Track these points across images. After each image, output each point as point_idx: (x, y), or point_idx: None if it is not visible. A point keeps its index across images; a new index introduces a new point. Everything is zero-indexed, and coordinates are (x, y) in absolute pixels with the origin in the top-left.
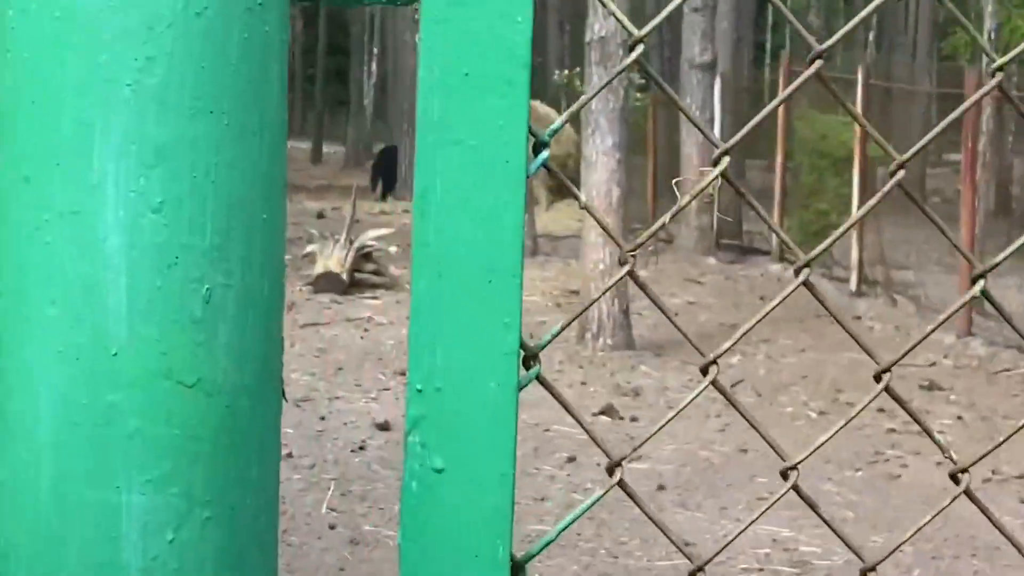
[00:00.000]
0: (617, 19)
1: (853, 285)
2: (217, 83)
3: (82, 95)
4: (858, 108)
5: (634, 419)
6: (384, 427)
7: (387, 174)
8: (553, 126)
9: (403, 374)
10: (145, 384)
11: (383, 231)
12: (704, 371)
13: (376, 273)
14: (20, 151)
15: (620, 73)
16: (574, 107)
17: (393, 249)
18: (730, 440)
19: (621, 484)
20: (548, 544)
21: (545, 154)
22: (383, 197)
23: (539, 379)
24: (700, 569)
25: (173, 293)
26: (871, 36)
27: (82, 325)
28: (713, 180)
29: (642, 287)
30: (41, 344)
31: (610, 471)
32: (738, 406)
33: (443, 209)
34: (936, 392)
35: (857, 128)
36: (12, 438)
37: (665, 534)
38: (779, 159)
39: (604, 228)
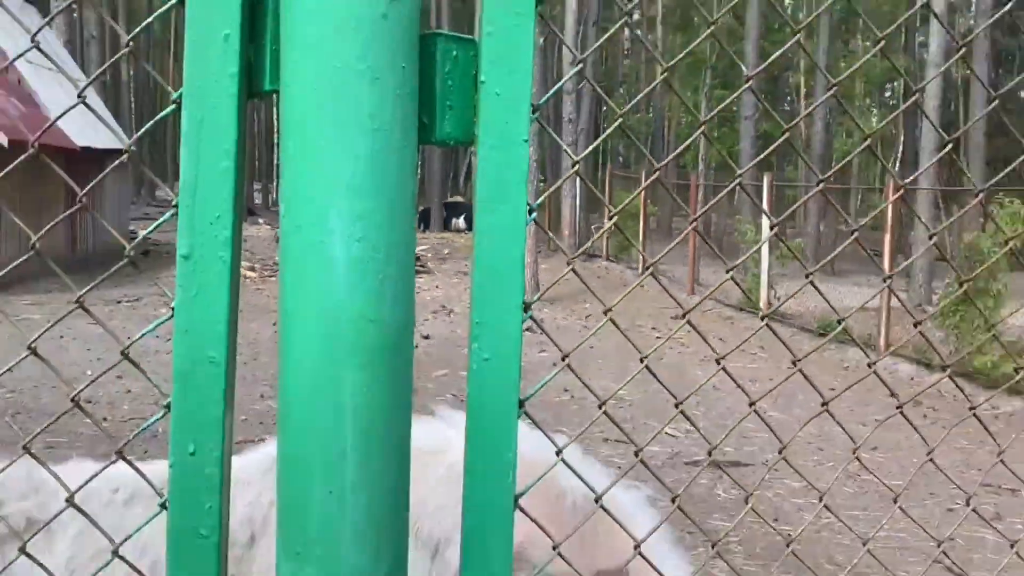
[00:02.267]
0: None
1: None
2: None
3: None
4: None
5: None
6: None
7: (423, 219)
8: (539, 200)
9: (440, 310)
10: (353, 319)
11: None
12: (605, 313)
13: (421, 266)
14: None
15: None
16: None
17: (429, 255)
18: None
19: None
20: (540, 387)
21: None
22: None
23: (531, 317)
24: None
25: (366, 275)
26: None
27: (322, 290)
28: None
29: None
30: (306, 299)
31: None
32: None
33: (486, 245)
34: None
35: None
36: (291, 341)
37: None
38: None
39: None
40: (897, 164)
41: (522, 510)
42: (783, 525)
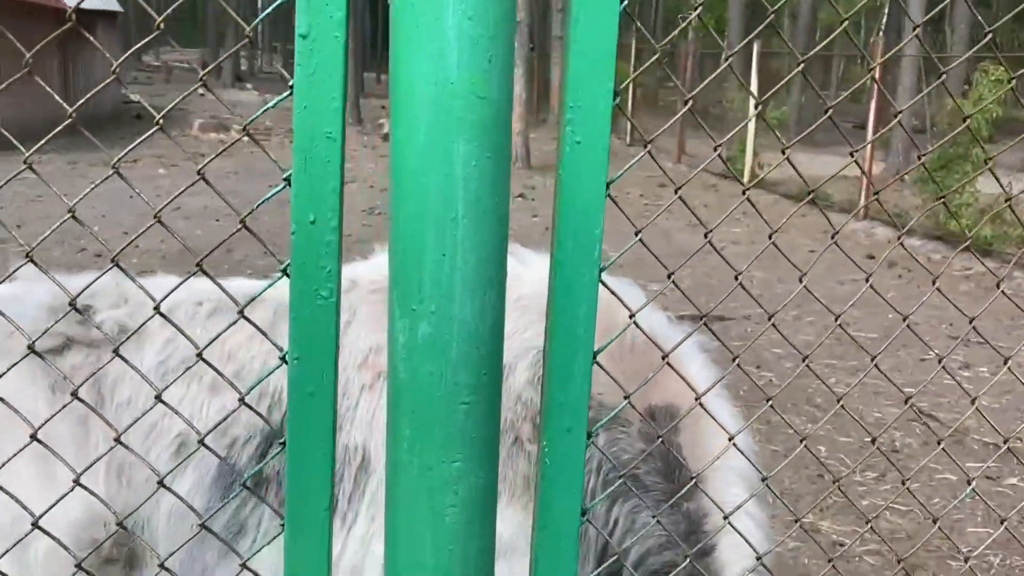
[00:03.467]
0: None
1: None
2: None
3: None
4: None
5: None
6: None
7: None
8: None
9: None
10: (464, 95)
11: None
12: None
13: None
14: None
15: None
16: None
17: None
18: None
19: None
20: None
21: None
22: None
23: (523, 194)
24: None
25: (476, 53)
26: None
27: (439, 71)
28: None
29: None
30: (419, 75)
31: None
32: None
33: (581, 32)
34: None
35: None
36: (403, 116)
37: None
38: None
39: None
40: (881, 33)
41: (599, 364)
42: (765, 372)
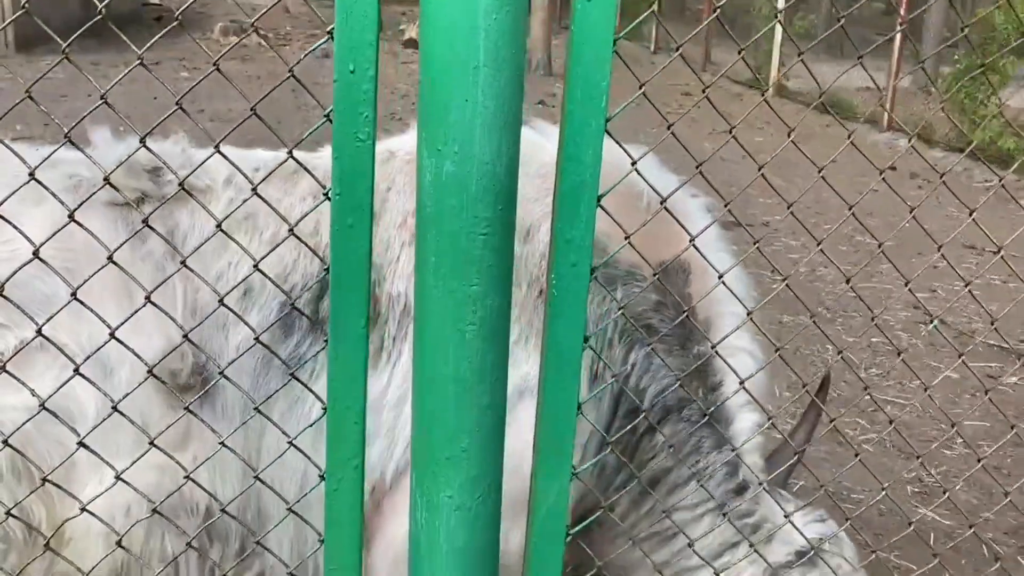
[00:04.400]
0: None
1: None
2: None
3: None
4: None
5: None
6: None
7: None
8: None
9: None
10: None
11: None
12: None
13: None
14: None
15: None
16: None
17: None
18: None
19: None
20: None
21: None
22: None
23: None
24: None
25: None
26: None
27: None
28: None
29: None
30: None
31: None
32: None
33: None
34: None
35: None
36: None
37: None
38: None
39: None
40: None
41: (601, 207)
42: (779, 276)
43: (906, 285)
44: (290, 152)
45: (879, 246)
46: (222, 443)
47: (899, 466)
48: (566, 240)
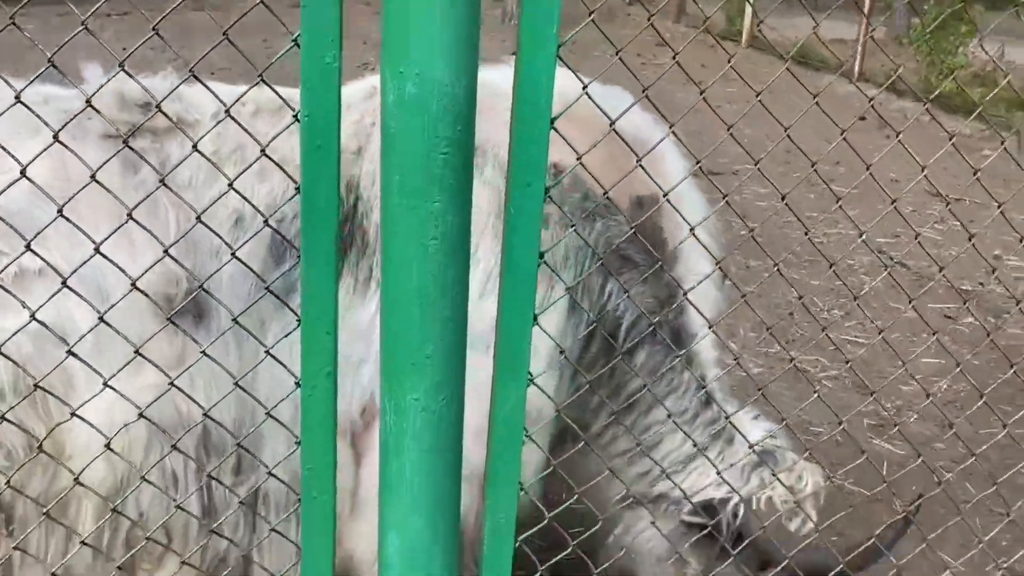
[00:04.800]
0: None
1: None
2: None
3: None
4: None
5: None
6: None
7: None
8: None
9: None
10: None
11: None
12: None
13: None
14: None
15: None
16: None
17: None
18: None
19: None
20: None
21: None
22: None
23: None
24: None
25: None
26: None
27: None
28: None
29: None
30: None
31: None
32: None
33: None
34: None
35: None
36: None
37: None
38: None
39: None
40: None
41: (555, 130)
42: (750, 222)
43: (860, 236)
44: (260, 76)
45: (837, 201)
46: (203, 351)
47: (856, 401)
48: (522, 162)
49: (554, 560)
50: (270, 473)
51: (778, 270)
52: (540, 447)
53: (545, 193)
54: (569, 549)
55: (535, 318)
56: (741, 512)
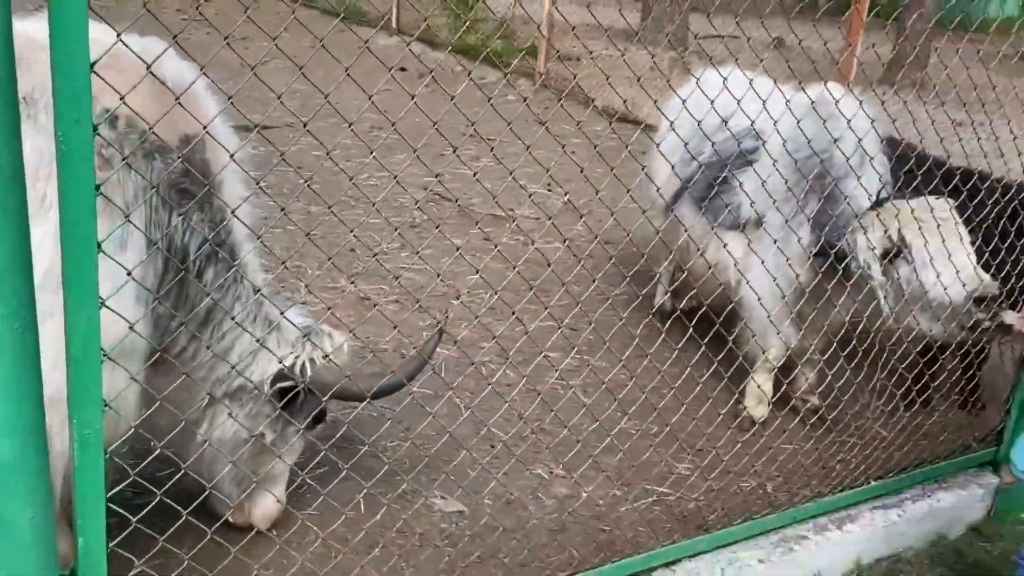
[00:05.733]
0: None
1: None
2: None
3: None
4: None
5: None
6: None
7: None
8: None
9: None
10: None
11: None
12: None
13: None
14: None
15: None
16: None
17: None
18: None
19: None
20: None
21: None
22: None
23: None
24: None
25: None
26: None
27: None
28: None
29: None
30: None
31: None
32: None
33: None
34: None
35: None
36: None
37: None
38: None
39: None
40: None
41: (96, 74)
42: (306, 171)
43: (394, 178)
44: None
45: (370, 152)
46: None
47: (415, 317)
48: (68, 96)
49: (145, 463)
50: None
51: (332, 212)
52: (125, 368)
53: (94, 130)
54: (156, 451)
55: (99, 246)
56: (309, 370)
